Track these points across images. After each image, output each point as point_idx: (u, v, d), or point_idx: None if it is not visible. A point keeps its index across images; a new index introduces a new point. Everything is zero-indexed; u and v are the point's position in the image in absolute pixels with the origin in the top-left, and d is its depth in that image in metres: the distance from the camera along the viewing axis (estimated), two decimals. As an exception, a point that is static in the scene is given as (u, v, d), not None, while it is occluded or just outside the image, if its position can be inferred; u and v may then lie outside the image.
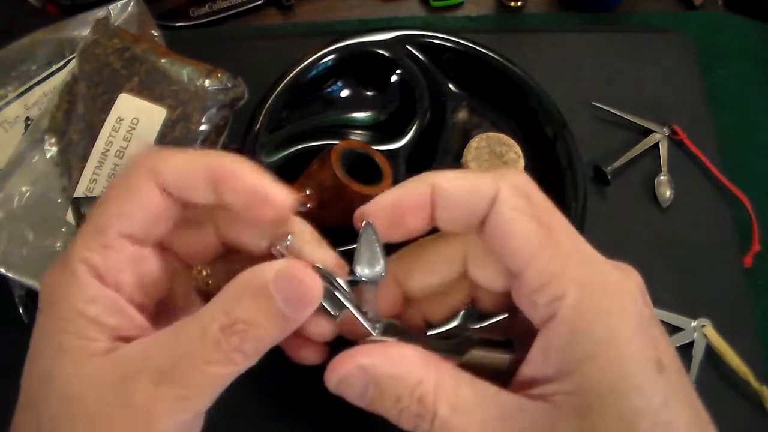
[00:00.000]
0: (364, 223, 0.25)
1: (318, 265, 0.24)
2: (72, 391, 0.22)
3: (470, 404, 0.23)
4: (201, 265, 0.30)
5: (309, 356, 0.28)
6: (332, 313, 0.25)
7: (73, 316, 0.23)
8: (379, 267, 0.24)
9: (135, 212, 0.24)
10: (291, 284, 0.23)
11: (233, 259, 0.29)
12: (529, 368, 0.23)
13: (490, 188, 0.23)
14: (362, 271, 0.24)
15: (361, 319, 0.25)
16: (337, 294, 0.25)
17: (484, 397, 0.23)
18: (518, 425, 0.22)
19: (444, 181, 0.24)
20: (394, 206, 0.25)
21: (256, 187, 0.24)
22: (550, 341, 0.22)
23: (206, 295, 0.28)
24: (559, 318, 0.22)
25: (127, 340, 0.23)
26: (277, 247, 0.24)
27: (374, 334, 0.25)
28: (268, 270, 0.23)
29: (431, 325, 0.29)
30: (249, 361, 0.23)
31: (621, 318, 0.22)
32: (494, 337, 0.25)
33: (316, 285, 0.23)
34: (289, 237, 0.24)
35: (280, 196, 0.24)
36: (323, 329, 0.27)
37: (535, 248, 0.23)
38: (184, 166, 0.24)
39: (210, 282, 0.28)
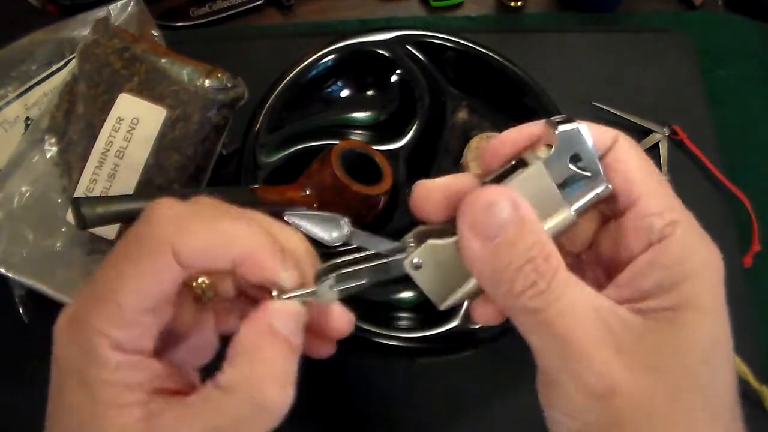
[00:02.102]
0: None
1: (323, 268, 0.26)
2: None
3: (577, 285, 0.24)
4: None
5: (324, 351, 0.30)
6: (365, 281, 0.26)
7: (102, 387, 0.23)
8: (344, 229, 0.25)
9: (154, 292, 0.24)
10: (293, 317, 0.25)
11: None
12: (616, 291, 0.25)
13: (611, 134, 0.26)
14: (330, 236, 0.25)
15: (389, 260, 0.26)
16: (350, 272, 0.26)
17: (581, 288, 0.24)
18: (611, 325, 0.23)
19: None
20: (524, 131, 0.26)
21: (274, 279, 0.25)
22: (657, 260, 0.24)
23: (202, 300, 0.28)
24: (675, 237, 0.24)
25: (158, 391, 0.24)
26: (275, 297, 0.25)
27: (411, 256, 0.26)
28: (268, 319, 0.24)
29: None
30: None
31: (717, 254, 0.25)
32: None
33: (299, 307, 0.25)
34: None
35: (291, 285, 0.25)
36: (343, 325, 0.29)
37: (652, 187, 0.25)
38: (208, 249, 0.24)
39: (205, 285, 0.28)
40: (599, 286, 0.26)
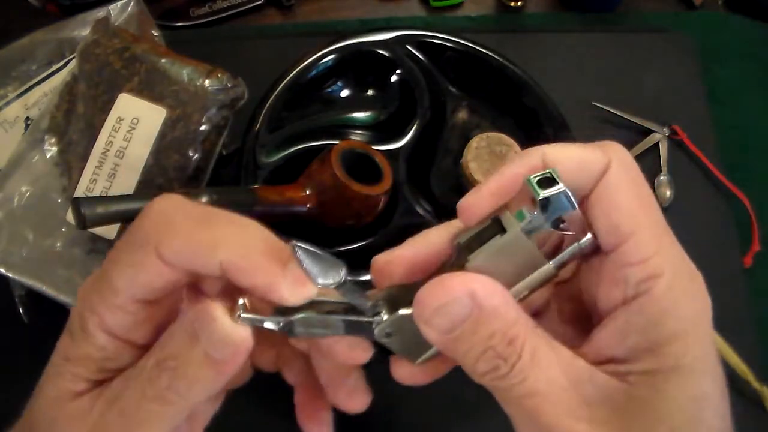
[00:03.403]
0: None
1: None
2: (46, 418, 0.24)
3: (546, 359, 0.22)
4: None
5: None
6: (331, 333, 0.25)
7: (78, 353, 0.24)
8: (340, 275, 0.23)
9: (144, 283, 0.24)
10: (210, 326, 0.22)
11: None
12: (596, 350, 0.23)
13: (601, 161, 0.23)
14: (325, 281, 0.23)
15: (361, 319, 0.25)
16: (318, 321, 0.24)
17: (558, 357, 0.23)
18: (585, 393, 0.22)
19: (554, 152, 0.24)
20: (504, 182, 0.24)
21: (267, 287, 0.23)
22: (632, 320, 0.22)
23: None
24: (652, 296, 0.22)
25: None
26: (236, 316, 0.23)
27: (384, 318, 0.25)
28: (192, 314, 0.23)
29: None
30: (184, 402, 0.23)
31: (704, 302, 0.23)
32: (482, 229, 0.24)
33: (238, 332, 0.23)
34: (241, 301, 0.24)
35: (290, 295, 0.23)
36: (357, 404, 0.28)
37: (638, 223, 0.23)
38: (190, 252, 0.23)
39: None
40: (578, 325, 0.25)
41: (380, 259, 0.26)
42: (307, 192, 0.44)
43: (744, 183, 0.56)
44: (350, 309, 0.25)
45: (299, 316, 0.24)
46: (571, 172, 0.23)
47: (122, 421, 0.23)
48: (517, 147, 0.50)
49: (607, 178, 0.23)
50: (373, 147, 0.49)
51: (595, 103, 0.58)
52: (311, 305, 0.24)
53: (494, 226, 0.24)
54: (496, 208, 0.24)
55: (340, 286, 0.23)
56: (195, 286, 0.27)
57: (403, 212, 0.49)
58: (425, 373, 0.27)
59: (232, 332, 0.23)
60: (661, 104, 0.59)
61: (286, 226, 0.44)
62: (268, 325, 0.24)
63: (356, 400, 0.28)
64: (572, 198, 0.22)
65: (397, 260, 0.26)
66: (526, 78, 0.52)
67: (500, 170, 0.24)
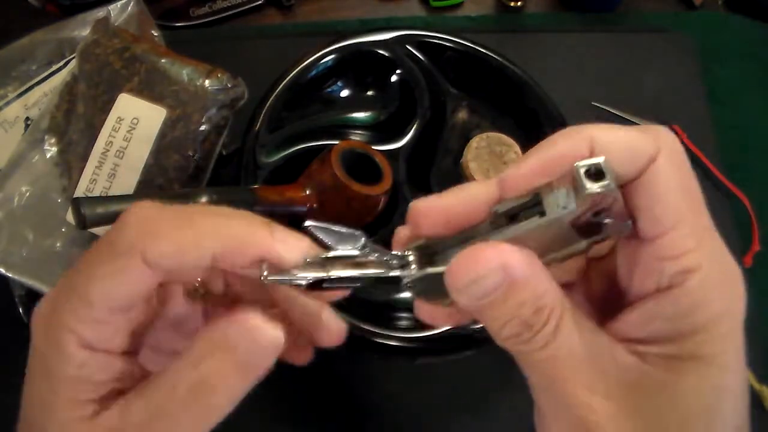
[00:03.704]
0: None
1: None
2: None
3: (569, 329, 0.22)
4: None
5: (300, 359, 0.29)
6: (359, 285, 0.25)
7: (64, 382, 0.24)
8: (359, 241, 0.24)
9: (124, 294, 0.24)
10: (254, 341, 0.23)
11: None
12: (616, 330, 0.23)
13: (651, 148, 0.23)
14: (344, 247, 0.24)
15: (388, 274, 0.25)
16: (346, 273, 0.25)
17: (581, 329, 0.23)
18: (603, 367, 0.22)
19: (603, 137, 0.23)
20: (548, 162, 0.23)
21: (263, 256, 0.24)
22: (661, 309, 0.22)
23: (194, 296, 0.28)
24: (685, 289, 0.22)
25: (120, 390, 0.25)
26: (262, 277, 0.24)
27: (413, 270, 0.25)
28: (231, 328, 0.24)
29: None
30: (221, 414, 0.24)
31: (737, 300, 0.23)
32: (522, 202, 0.24)
33: (275, 333, 0.24)
34: (263, 266, 0.24)
35: (287, 253, 0.24)
36: (334, 336, 0.28)
37: (681, 217, 0.22)
38: (178, 251, 0.23)
39: (200, 288, 0.28)
40: (603, 307, 0.25)
41: (419, 205, 0.26)
42: (307, 192, 0.44)
43: (744, 183, 0.56)
44: (376, 262, 0.25)
45: (320, 273, 0.24)
46: (618, 158, 0.22)
47: None
48: (517, 147, 0.50)
49: (655, 168, 0.23)
50: (373, 147, 0.49)
51: (595, 103, 0.58)
52: (337, 260, 0.25)
53: (533, 201, 0.24)
54: (537, 188, 0.24)
55: (360, 250, 0.24)
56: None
57: (403, 212, 0.49)
58: (447, 317, 0.27)
59: (270, 334, 0.24)
60: (661, 104, 0.59)
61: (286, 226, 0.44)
62: (297, 280, 0.24)
63: (333, 333, 0.28)
64: (618, 192, 0.22)
65: (435, 210, 0.25)
66: (526, 78, 0.52)
67: (544, 148, 0.23)
